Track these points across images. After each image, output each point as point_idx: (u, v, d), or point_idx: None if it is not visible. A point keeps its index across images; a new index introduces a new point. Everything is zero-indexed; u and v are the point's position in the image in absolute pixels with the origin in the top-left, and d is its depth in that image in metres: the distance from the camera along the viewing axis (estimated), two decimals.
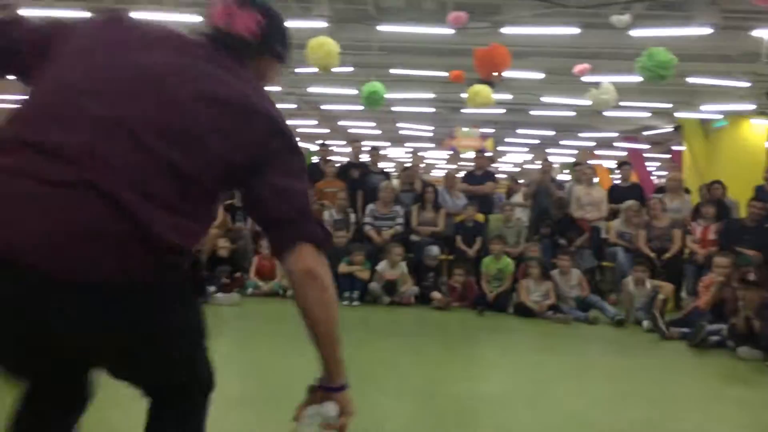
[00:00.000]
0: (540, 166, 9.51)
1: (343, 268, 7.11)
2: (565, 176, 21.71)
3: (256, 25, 1.47)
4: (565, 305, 6.76)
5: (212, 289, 6.56)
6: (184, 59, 1.40)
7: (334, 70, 7.73)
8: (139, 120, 1.30)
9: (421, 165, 9.49)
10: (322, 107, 17.94)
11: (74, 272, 1.21)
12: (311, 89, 15.13)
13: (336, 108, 17.77)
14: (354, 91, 13.24)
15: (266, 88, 1.52)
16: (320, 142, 9.94)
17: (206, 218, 1.43)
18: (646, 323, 6.16)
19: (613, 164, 24.86)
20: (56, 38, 1.42)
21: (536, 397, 3.67)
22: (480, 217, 8.26)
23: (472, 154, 12.87)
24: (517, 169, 30.12)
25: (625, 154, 21.91)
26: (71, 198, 1.23)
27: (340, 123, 20.73)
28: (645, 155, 22.55)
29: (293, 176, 1.43)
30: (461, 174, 9.63)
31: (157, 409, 1.52)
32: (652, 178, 21.79)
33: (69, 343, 1.30)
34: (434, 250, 7.55)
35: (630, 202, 8.19)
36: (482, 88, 9.22)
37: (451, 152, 21.18)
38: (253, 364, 4.18)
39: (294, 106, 17.91)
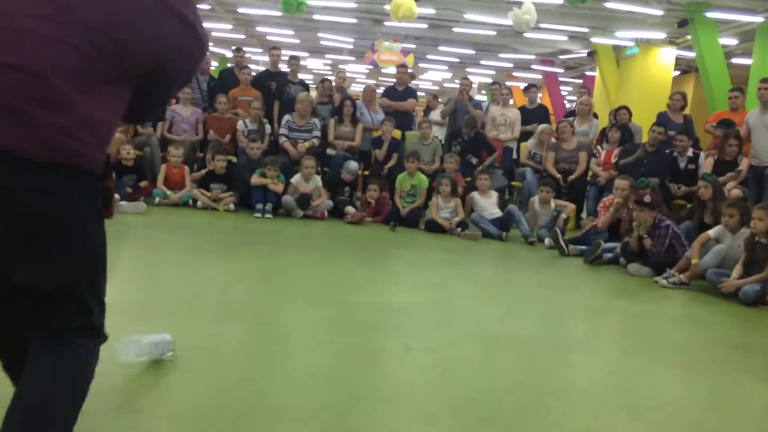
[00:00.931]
0: (459, 85, 9.52)
1: (256, 179, 6.99)
2: (482, 96, 21.93)
3: None
4: (483, 221, 6.94)
5: (116, 197, 6.29)
6: None
7: None
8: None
9: (344, 81, 9.19)
10: (239, 10, 17.03)
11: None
12: None
13: (253, 12, 16.93)
14: None
15: None
16: (235, 47, 9.49)
17: (113, 112, 1.49)
18: (547, 241, 6.48)
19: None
20: None
21: (438, 309, 3.83)
22: (397, 133, 8.26)
23: (392, 70, 12.71)
24: (436, 88, 30.13)
25: (540, 77, 22.32)
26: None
27: (257, 29, 19.84)
28: (560, 79, 23.07)
29: None
30: (381, 89, 9.53)
31: (47, 345, 1.50)
32: (565, 102, 22.40)
33: None
34: (353, 165, 7.53)
35: (544, 126, 8.41)
36: (406, 0, 9.01)
37: (371, 66, 20.84)
38: (158, 275, 4.10)
39: (207, 7, 16.90)
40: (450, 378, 2.69)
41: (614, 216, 6.23)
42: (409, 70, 10.69)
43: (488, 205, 7.11)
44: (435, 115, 9.49)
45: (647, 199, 5.39)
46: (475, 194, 7.21)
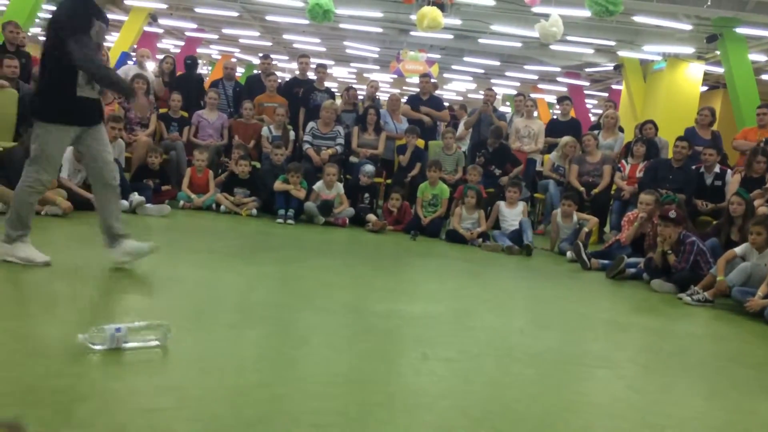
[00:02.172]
0: (483, 96, 9.51)
1: (279, 185, 7.05)
2: (506, 108, 21.85)
3: None
4: (502, 237, 6.89)
5: (141, 199, 6.38)
6: None
7: None
8: None
9: (376, 90, 9.23)
10: (267, 18, 17.21)
11: None
12: None
13: (280, 20, 17.09)
14: (300, 4, 12.75)
15: None
16: (263, 54, 9.59)
17: None
18: (569, 254, 6.42)
19: (553, 99, 25.20)
20: None
21: (457, 320, 3.81)
22: (420, 142, 8.27)
23: (416, 80, 12.73)
24: (460, 98, 30.12)
25: (565, 89, 22.18)
26: None
27: (284, 37, 20.02)
28: (585, 92, 22.91)
29: None
30: (404, 99, 9.54)
31: None
32: (590, 115, 22.24)
33: None
34: (369, 167, 7.55)
35: (568, 138, 8.36)
36: (432, 10, 9.04)
37: (396, 76, 20.89)
38: (179, 277, 4.14)
39: (235, 14, 17.13)
40: (468, 389, 2.67)
41: (638, 231, 6.16)
42: (433, 80, 10.69)
43: (513, 215, 7.06)
44: (461, 128, 9.46)
45: (672, 214, 5.32)
46: (501, 204, 7.17)
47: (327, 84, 9.27)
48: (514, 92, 24.54)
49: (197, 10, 16.99)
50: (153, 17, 17.71)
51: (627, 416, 2.55)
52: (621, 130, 9.12)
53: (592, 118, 20.56)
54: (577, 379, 2.99)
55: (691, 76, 15.96)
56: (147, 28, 18.11)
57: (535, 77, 22.51)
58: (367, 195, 7.48)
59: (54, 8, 3.83)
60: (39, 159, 3.75)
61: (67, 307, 3.25)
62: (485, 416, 2.37)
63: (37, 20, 15.54)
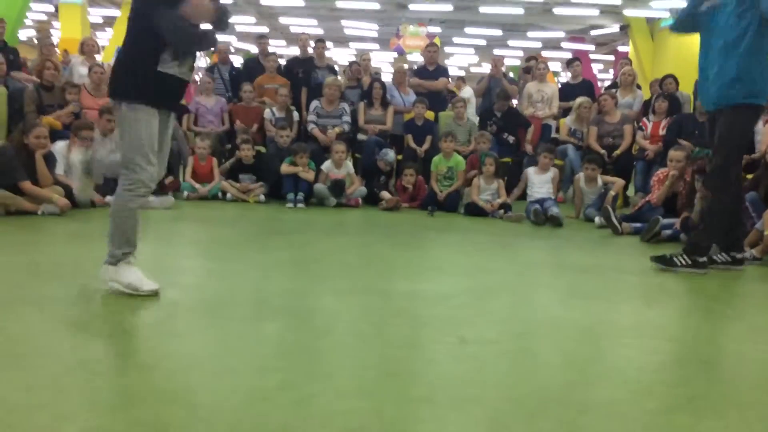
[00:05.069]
0: (491, 62, 9.10)
1: (286, 168, 6.72)
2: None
3: None
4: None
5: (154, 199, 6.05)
6: None
7: None
8: None
9: (369, 62, 8.84)
10: (261, 2, 16.80)
11: None
12: None
13: (275, 3, 16.67)
14: None
15: None
16: (259, 35, 9.21)
17: None
18: (597, 219, 6.07)
19: (558, 67, 24.63)
20: None
21: (489, 296, 3.48)
22: (430, 114, 7.90)
23: (418, 56, 12.34)
24: (462, 72, 29.59)
25: (570, 56, 21.66)
26: None
27: (281, 20, 19.60)
28: (591, 57, 22.37)
29: None
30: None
31: None
32: (597, 82, 21.73)
33: None
34: (390, 154, 7.18)
35: (582, 99, 7.96)
36: None
37: (397, 54, 20.44)
38: (187, 270, 3.83)
39: (230, 1, 16.70)
40: (518, 374, 2.35)
41: (670, 190, 5.79)
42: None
43: (542, 182, 6.68)
44: (464, 94, 9.07)
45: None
46: (530, 170, 6.78)
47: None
48: (518, 63, 24.10)
49: None
50: None
51: (707, 395, 2.22)
52: (638, 87, 8.71)
53: (599, 85, 20.08)
54: (642, 353, 2.63)
55: None
56: None
57: (539, 45, 21.97)
58: (383, 177, 7.14)
59: None
60: (130, 152, 3.02)
61: (72, 306, 2.94)
62: (545, 406, 2.04)
63: (26, 21, 15.18)
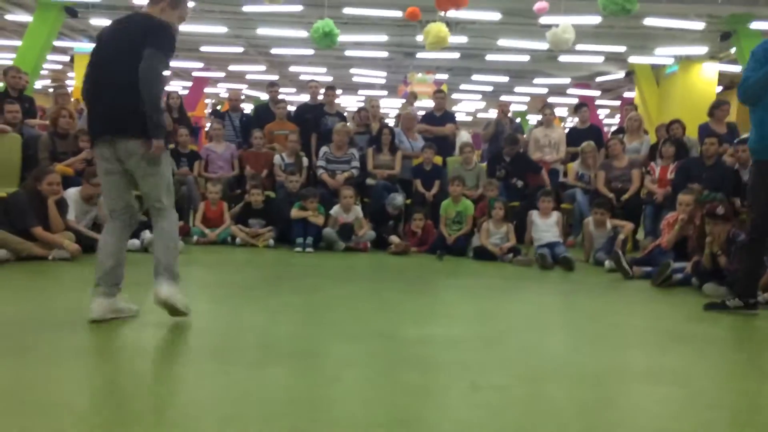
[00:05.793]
0: (498, 107, 9.21)
1: (295, 213, 6.75)
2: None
3: None
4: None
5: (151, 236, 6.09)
6: None
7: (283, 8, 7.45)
8: None
9: (378, 109, 8.95)
10: (272, 51, 17.16)
11: None
12: (260, 31, 14.39)
13: (286, 52, 17.03)
14: (305, 34, 12.62)
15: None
16: (270, 82, 9.38)
17: None
18: (608, 263, 6.03)
19: (564, 113, 24.88)
20: None
21: (500, 341, 3.45)
22: (438, 159, 7.96)
23: (427, 102, 12.51)
24: (470, 118, 29.89)
25: (576, 101, 21.89)
26: None
27: (291, 69, 19.97)
28: (596, 103, 22.60)
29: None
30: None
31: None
32: (603, 127, 21.90)
33: None
34: (399, 198, 7.21)
35: (585, 143, 8.02)
36: (437, 26, 8.81)
37: (405, 101, 20.73)
38: (196, 314, 3.82)
39: (241, 49, 17.10)
40: (531, 422, 2.30)
41: (680, 234, 5.76)
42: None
43: (547, 226, 6.66)
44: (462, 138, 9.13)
45: (720, 210, 4.92)
46: (534, 213, 6.77)
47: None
48: (525, 108, 24.31)
49: (202, 49, 16.98)
50: None
51: None
52: (645, 132, 8.77)
53: (605, 130, 20.22)
54: (652, 399, 2.60)
55: (706, 76, 15.59)
56: None
57: (545, 91, 22.24)
58: (391, 222, 7.16)
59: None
60: (165, 190, 3.41)
61: (79, 356, 2.93)
62: None
63: (43, 71, 15.52)
